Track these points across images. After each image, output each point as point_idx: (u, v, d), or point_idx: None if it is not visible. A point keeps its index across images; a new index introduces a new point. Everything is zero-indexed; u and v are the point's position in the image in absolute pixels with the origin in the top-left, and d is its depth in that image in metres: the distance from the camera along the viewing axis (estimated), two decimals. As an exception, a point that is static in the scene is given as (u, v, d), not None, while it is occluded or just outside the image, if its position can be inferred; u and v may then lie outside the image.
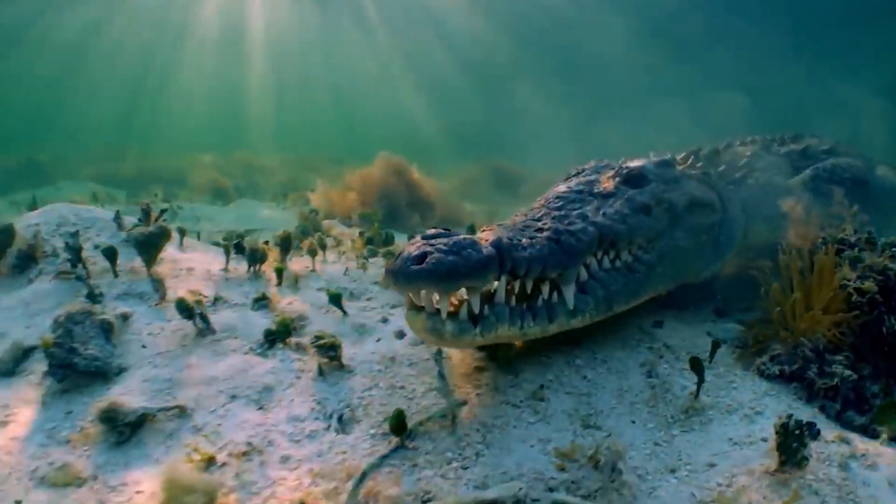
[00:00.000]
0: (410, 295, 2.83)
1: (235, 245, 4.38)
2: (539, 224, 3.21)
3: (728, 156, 5.06)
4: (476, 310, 2.78)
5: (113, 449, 2.84)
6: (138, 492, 2.57)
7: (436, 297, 2.74)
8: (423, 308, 2.81)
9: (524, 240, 2.96)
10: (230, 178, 12.10)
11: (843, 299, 3.25)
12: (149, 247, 4.11)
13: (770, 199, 4.65)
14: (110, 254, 4.06)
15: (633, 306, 3.52)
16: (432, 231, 2.89)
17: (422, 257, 2.65)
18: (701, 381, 2.95)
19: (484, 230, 3.18)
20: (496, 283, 2.87)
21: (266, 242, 4.55)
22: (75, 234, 4.24)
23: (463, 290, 2.78)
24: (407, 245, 2.84)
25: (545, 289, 3.02)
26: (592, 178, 3.90)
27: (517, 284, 2.98)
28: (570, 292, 3.05)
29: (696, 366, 2.92)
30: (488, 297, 2.89)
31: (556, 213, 3.38)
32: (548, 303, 3.02)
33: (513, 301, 2.95)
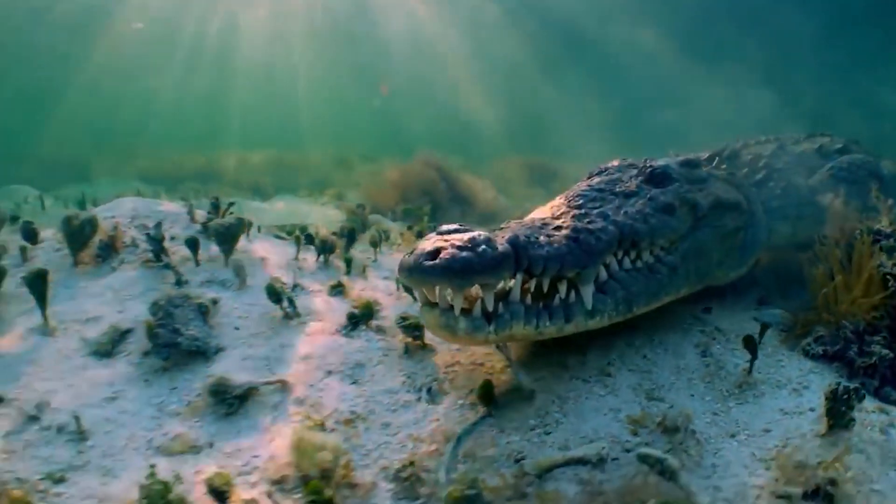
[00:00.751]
0: (424, 291, 2.86)
1: (306, 236, 4.71)
2: (558, 222, 3.18)
3: (747, 156, 5.16)
4: (490, 307, 2.79)
5: (222, 420, 3.12)
6: (255, 456, 2.86)
7: (449, 293, 2.76)
8: (437, 304, 2.84)
9: (542, 237, 2.94)
10: (264, 174, 12.48)
11: (880, 284, 3.56)
12: (228, 238, 4.44)
13: (790, 199, 4.76)
14: (193, 244, 4.39)
15: (655, 307, 3.51)
16: (447, 227, 2.92)
17: (435, 253, 2.66)
18: (754, 358, 3.27)
19: (502, 227, 3.18)
20: (512, 281, 2.86)
21: (334, 234, 4.88)
22: (158, 226, 4.57)
23: (478, 287, 2.79)
24: (421, 240, 2.87)
25: (562, 288, 3.01)
26: (615, 176, 3.87)
27: (534, 283, 2.97)
28: (588, 292, 3.05)
29: (750, 344, 3.23)
30: (504, 295, 2.89)
31: (576, 211, 3.36)
32: (565, 302, 3.01)
33: (528, 299, 2.94)
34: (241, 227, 4.49)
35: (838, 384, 2.83)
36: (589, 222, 3.20)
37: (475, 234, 2.76)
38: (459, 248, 2.66)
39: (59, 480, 2.71)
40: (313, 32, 36.62)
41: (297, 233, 4.81)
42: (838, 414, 2.82)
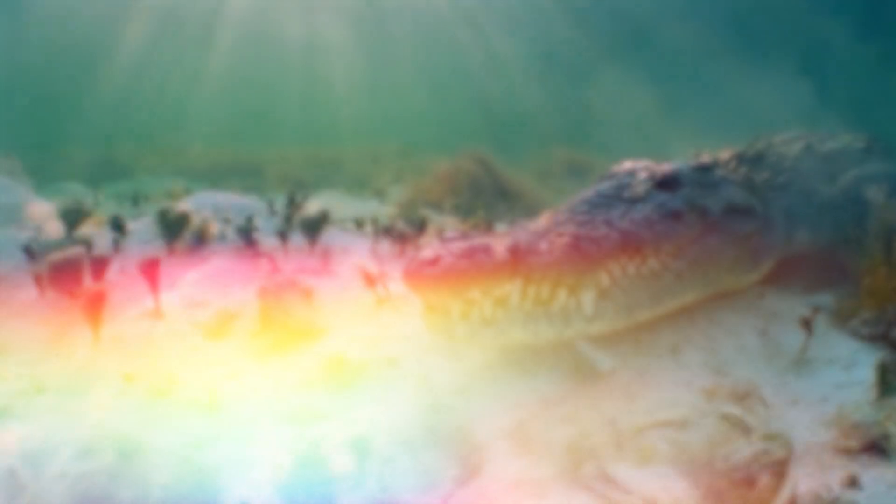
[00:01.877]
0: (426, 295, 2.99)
1: (384, 228, 5.14)
2: (561, 228, 3.27)
3: (772, 157, 5.10)
4: (488, 312, 2.93)
5: (340, 392, 3.48)
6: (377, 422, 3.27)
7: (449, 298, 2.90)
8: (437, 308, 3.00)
9: (542, 244, 3.05)
10: (303, 169, 12.86)
11: (920, 270, 3.97)
12: (314, 227, 4.86)
13: (811, 206, 4.77)
14: (283, 234, 4.81)
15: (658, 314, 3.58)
16: (450, 234, 3.13)
17: (435, 260, 2.84)
18: (809, 337, 3.68)
19: (506, 233, 3.34)
20: (511, 286, 2.98)
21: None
22: (249, 218, 4.99)
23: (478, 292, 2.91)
24: (423, 248, 3.19)
25: (562, 294, 3.09)
26: (625, 181, 3.88)
27: (533, 288, 3.04)
28: (588, 299, 3.13)
29: (807, 324, 3.64)
30: (503, 300, 3.00)
31: (581, 217, 3.42)
32: (565, 308, 3.10)
33: (528, 305, 3.03)
34: (325, 218, 4.91)
35: (888, 356, 3.26)
36: (591, 229, 3.29)
37: (475, 242, 2.94)
38: (458, 255, 2.83)
39: (199, 447, 3.01)
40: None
41: (374, 224, 5.22)
42: (888, 383, 3.24)
